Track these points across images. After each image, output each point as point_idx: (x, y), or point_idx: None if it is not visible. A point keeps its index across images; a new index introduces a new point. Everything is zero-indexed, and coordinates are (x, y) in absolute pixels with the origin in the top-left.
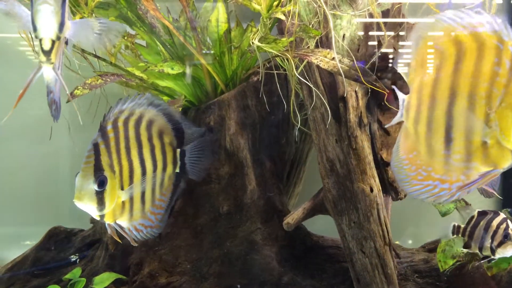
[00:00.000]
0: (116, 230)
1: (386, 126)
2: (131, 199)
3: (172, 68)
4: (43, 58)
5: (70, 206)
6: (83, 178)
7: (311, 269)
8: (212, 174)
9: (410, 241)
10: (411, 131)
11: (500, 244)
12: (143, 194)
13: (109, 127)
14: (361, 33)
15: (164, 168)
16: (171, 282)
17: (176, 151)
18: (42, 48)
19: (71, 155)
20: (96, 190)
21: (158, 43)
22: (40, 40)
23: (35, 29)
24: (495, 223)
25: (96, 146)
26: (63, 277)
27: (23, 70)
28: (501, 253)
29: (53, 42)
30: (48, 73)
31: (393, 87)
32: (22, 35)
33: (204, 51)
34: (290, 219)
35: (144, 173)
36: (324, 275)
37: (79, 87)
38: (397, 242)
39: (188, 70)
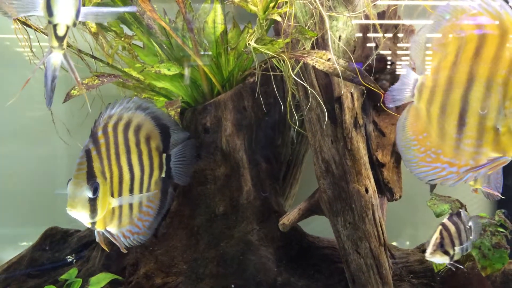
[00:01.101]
0: (104, 237)
1: (391, 106)
2: (120, 205)
3: (169, 69)
4: (55, 43)
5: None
6: (76, 185)
7: (307, 269)
8: (208, 175)
9: (407, 243)
10: (423, 112)
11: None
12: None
13: (100, 133)
14: (359, 34)
15: (151, 174)
16: (167, 283)
17: (162, 156)
18: (56, 34)
19: (68, 156)
20: (89, 198)
21: (155, 44)
22: (55, 25)
23: (50, 14)
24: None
25: (88, 153)
26: (59, 277)
27: (21, 71)
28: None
29: (67, 28)
30: (56, 59)
31: (407, 67)
32: (20, 36)
33: (201, 52)
34: (286, 220)
35: (132, 179)
36: (320, 276)
37: (76, 87)
38: (394, 243)
39: (185, 72)
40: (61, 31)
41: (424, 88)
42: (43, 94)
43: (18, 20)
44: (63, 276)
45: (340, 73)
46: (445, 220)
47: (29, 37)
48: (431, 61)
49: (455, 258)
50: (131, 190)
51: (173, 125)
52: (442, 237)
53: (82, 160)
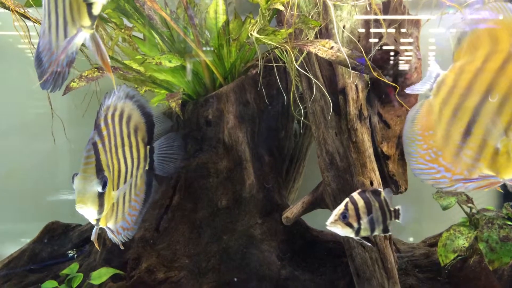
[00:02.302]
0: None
1: (409, 92)
2: (117, 200)
3: (170, 61)
4: (87, 22)
5: (67, 203)
6: (85, 180)
7: (310, 263)
8: (210, 168)
9: (411, 239)
10: (436, 109)
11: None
12: (124, 195)
13: (102, 125)
14: (362, 30)
15: (138, 166)
16: (169, 277)
17: (146, 148)
18: (90, 12)
19: (69, 151)
20: (98, 192)
21: (156, 36)
22: (91, 4)
23: None
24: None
25: (95, 146)
26: (60, 272)
27: (23, 67)
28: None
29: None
30: (81, 39)
31: (434, 60)
32: (21, 33)
33: (202, 44)
34: (289, 214)
35: (126, 172)
36: (324, 270)
37: (75, 80)
38: (400, 239)
39: (186, 64)
40: (96, 10)
41: (443, 86)
42: (43, 90)
43: (17, 12)
44: (64, 271)
45: (343, 61)
46: (354, 193)
47: (29, 33)
48: (458, 59)
49: (363, 233)
50: (124, 184)
51: (156, 114)
52: (346, 209)
53: (89, 153)
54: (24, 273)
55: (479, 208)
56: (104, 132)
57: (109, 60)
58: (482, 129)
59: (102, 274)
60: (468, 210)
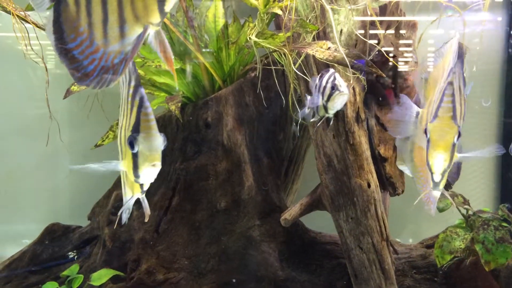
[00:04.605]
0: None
1: (398, 137)
2: None
3: None
4: (157, 19)
5: (68, 204)
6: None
7: (308, 265)
8: (209, 170)
9: (410, 240)
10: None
11: (329, 98)
12: None
13: None
14: (360, 31)
15: None
16: (168, 279)
17: None
18: (162, 9)
19: (69, 153)
20: None
21: None
22: (163, 0)
23: None
24: (324, 80)
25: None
26: (60, 273)
27: (22, 69)
28: (331, 107)
29: None
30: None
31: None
32: (18, 34)
33: (201, 47)
34: (288, 215)
35: None
36: (322, 271)
37: (75, 84)
38: (397, 240)
39: (185, 66)
40: (169, 6)
41: (423, 121)
42: (43, 91)
43: (18, 16)
44: (65, 272)
45: (340, 61)
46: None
47: (28, 35)
48: (427, 97)
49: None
50: None
51: None
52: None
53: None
54: (25, 274)
55: (475, 209)
56: None
57: (173, 58)
58: None
59: (102, 276)
60: (464, 211)
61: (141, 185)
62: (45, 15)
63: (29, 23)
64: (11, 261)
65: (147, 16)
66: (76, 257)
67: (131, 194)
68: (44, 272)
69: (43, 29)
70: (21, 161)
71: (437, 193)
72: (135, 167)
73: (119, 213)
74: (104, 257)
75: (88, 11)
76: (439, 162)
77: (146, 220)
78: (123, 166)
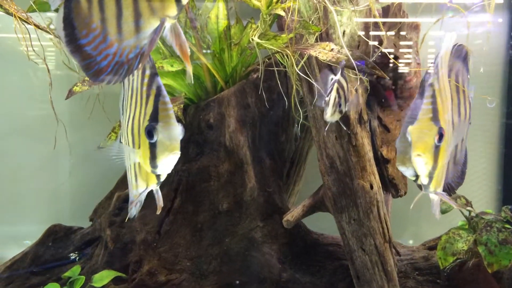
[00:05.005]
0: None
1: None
2: None
3: (172, 65)
4: (174, 12)
5: (70, 205)
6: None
7: (311, 266)
8: (211, 172)
9: (411, 241)
10: None
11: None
12: None
13: None
14: (362, 32)
15: None
16: (170, 280)
17: None
18: (179, 1)
19: (71, 153)
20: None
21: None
22: None
23: None
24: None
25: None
26: (62, 275)
27: (23, 70)
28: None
29: None
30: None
31: None
32: (20, 35)
33: (203, 48)
34: (290, 217)
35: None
36: (325, 272)
37: (78, 84)
38: (398, 241)
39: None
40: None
41: None
42: (44, 92)
43: (20, 18)
44: (66, 274)
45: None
46: (339, 77)
47: (30, 36)
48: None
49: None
50: None
51: None
52: (339, 96)
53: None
54: (27, 275)
55: (478, 211)
56: None
57: (189, 51)
58: None
59: (103, 277)
60: (467, 213)
61: (158, 176)
62: (46, 17)
63: (30, 24)
64: (12, 262)
65: (164, 9)
66: (78, 258)
67: (145, 186)
68: (46, 273)
69: (45, 31)
70: (22, 162)
71: (434, 196)
72: (153, 157)
73: (131, 206)
74: (106, 259)
75: (101, 7)
76: (420, 164)
77: (158, 213)
78: (137, 156)
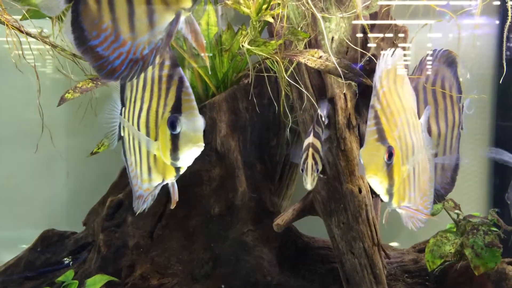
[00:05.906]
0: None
1: None
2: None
3: None
4: (189, 4)
5: (65, 210)
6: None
7: (302, 269)
8: (203, 176)
9: (405, 244)
10: None
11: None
12: None
13: None
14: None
15: None
16: (163, 284)
17: None
18: None
19: (67, 158)
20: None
21: None
22: None
23: None
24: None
25: None
26: (55, 279)
27: (20, 74)
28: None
29: None
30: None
31: None
32: (10, 39)
33: (195, 54)
34: (280, 221)
35: None
36: (315, 276)
37: (70, 91)
38: (390, 245)
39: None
40: None
41: None
42: (41, 97)
43: (13, 27)
44: (60, 278)
45: (332, 70)
46: (311, 139)
47: (20, 41)
48: None
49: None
50: None
51: None
52: (315, 162)
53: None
54: (21, 280)
55: (466, 214)
56: None
57: (204, 42)
58: None
59: (96, 281)
60: (455, 216)
61: (177, 169)
62: (39, 25)
63: (23, 32)
64: (6, 267)
65: (179, 1)
66: (71, 263)
67: (160, 179)
68: (40, 278)
69: (37, 39)
70: (17, 167)
71: (402, 210)
72: (175, 149)
73: (139, 201)
74: (99, 263)
75: (112, 7)
76: (375, 184)
77: (172, 207)
78: (154, 149)
